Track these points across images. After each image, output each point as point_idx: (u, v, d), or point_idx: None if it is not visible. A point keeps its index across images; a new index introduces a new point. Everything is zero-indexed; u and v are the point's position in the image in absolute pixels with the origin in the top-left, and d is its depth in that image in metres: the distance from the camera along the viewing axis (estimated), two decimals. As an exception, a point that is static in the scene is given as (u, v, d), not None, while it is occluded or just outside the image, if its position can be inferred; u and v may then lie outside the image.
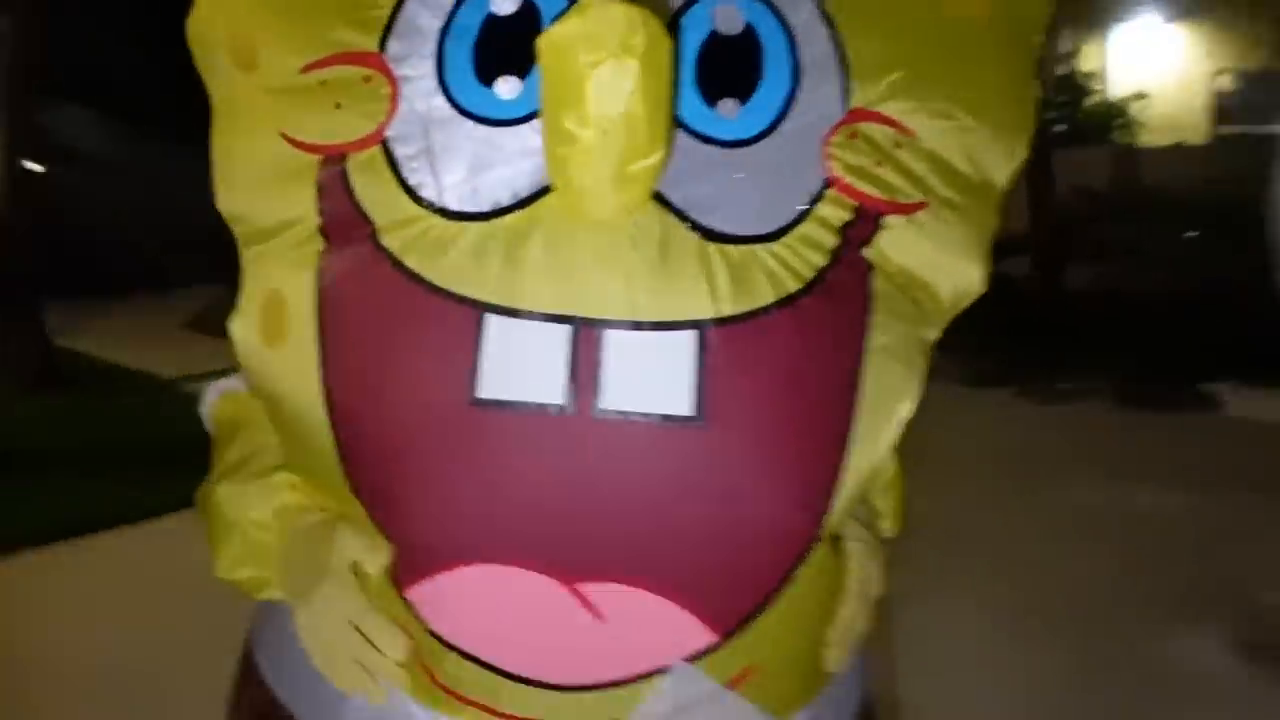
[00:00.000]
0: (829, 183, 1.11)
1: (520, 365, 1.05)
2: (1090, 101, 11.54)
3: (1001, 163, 1.20)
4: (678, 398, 1.04)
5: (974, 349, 6.24)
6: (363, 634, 1.15)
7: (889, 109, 1.14)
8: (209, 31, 1.20)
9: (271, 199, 1.15)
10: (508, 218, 1.06)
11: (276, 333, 1.15)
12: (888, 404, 1.14)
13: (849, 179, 1.12)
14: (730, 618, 1.12)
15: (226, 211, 1.18)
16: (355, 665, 1.16)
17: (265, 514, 1.22)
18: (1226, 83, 10.39)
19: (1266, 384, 5.48)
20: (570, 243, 1.04)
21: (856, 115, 1.13)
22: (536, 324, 1.04)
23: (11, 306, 7.18)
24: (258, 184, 1.16)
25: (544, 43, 0.94)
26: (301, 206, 1.14)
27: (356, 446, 1.11)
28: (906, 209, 1.15)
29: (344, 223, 1.12)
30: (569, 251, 1.04)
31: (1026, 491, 5.11)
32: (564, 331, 1.04)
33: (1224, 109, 10.53)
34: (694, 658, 1.12)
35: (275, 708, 1.26)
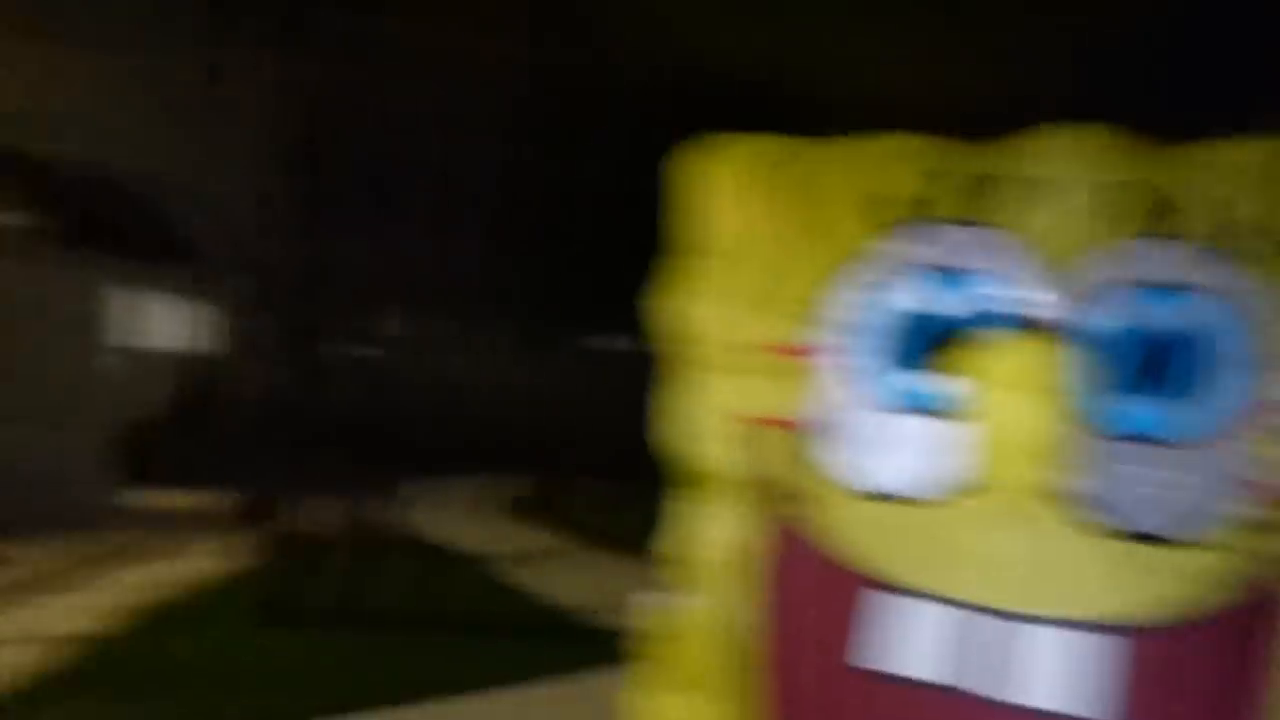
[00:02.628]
0: (1263, 485, 1.07)
1: (926, 646, 1.11)
2: None
3: None
4: (1083, 698, 1.05)
5: None
6: None
7: None
8: (672, 308, 1.41)
9: (713, 455, 1.33)
10: (920, 504, 1.14)
11: (710, 574, 1.31)
12: None
13: None
14: None
15: (673, 451, 1.38)
16: None
17: None
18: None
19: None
20: (981, 534, 1.10)
21: None
22: (944, 608, 1.10)
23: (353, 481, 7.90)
24: (702, 439, 1.34)
25: (965, 369, 1.05)
26: (738, 468, 1.29)
27: (768, 692, 1.23)
28: None
29: (774, 490, 1.25)
30: (980, 543, 1.10)
31: None
32: (972, 618, 1.09)
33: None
34: None
35: None
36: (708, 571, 1.31)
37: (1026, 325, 1.04)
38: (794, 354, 1.26)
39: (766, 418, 1.28)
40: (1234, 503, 1.07)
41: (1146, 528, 1.06)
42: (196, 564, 5.90)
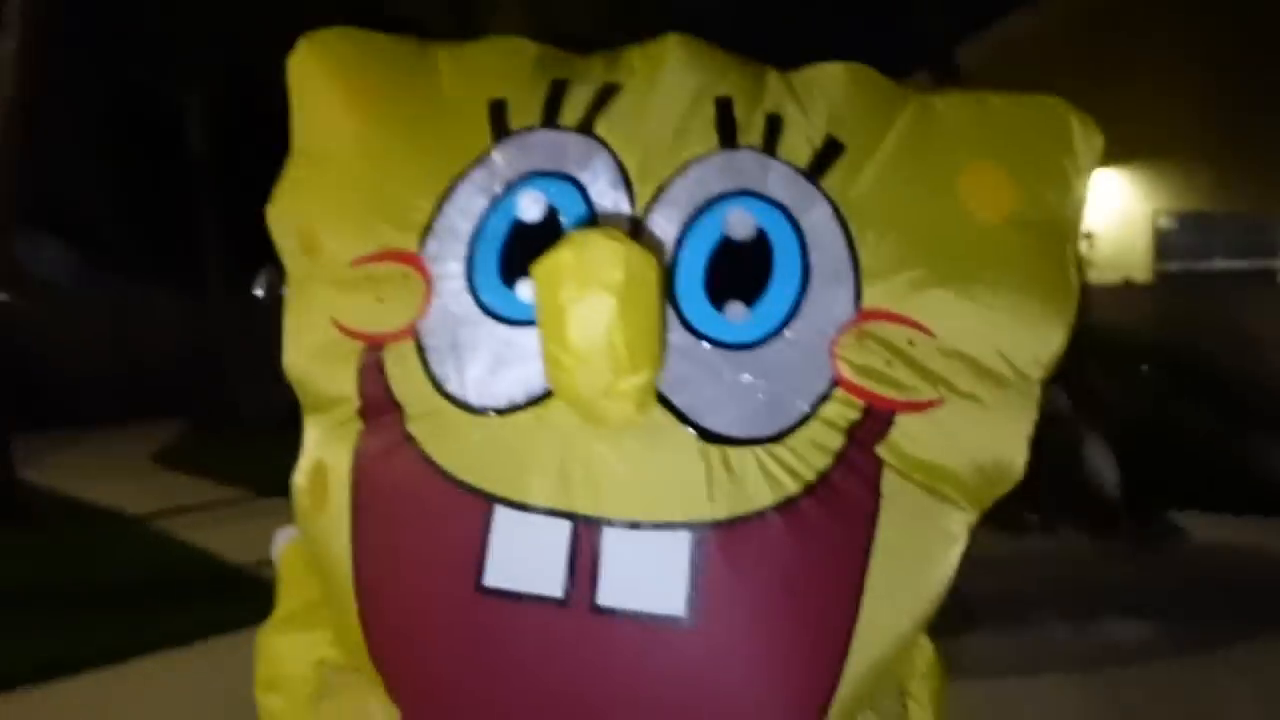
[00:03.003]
0: (836, 383, 1.12)
1: (523, 557, 1.10)
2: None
3: (1034, 353, 1.17)
4: (670, 598, 1.08)
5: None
6: None
7: (904, 308, 1.14)
8: (283, 219, 1.32)
9: (323, 375, 1.26)
10: (520, 415, 1.12)
11: (320, 499, 1.24)
12: (896, 600, 1.14)
13: (858, 379, 1.12)
14: None
15: (290, 375, 1.30)
16: None
17: (306, 668, 1.31)
18: (1166, 223, 10.72)
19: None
20: (574, 443, 1.09)
21: (868, 315, 1.14)
22: (540, 518, 1.09)
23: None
24: (313, 358, 1.27)
25: (535, 272, 1.01)
26: (346, 386, 1.23)
27: (375, 620, 1.19)
28: (921, 406, 1.14)
29: (379, 407, 1.20)
30: (573, 451, 1.10)
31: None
32: (566, 527, 1.09)
33: (1164, 247, 10.75)
34: None
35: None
36: (318, 499, 1.25)
37: (612, 231, 1.03)
38: (396, 263, 1.20)
39: (371, 332, 1.22)
40: (815, 402, 1.12)
41: (725, 428, 1.09)
42: None
